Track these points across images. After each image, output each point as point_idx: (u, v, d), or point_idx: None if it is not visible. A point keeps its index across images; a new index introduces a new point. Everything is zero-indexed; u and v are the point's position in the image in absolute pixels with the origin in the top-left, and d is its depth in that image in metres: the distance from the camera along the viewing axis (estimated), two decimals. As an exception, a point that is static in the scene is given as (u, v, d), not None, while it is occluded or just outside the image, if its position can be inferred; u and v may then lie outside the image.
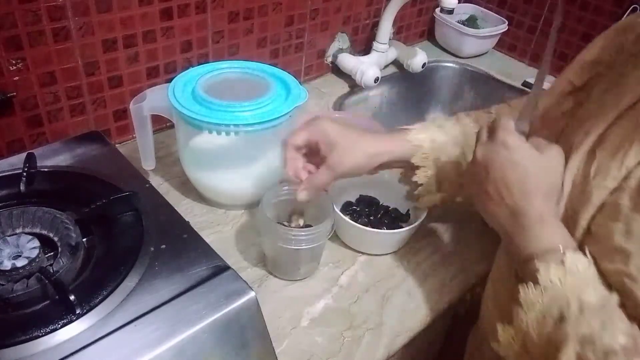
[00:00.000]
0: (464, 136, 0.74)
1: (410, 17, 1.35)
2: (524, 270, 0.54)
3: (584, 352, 0.47)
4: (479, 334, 0.71)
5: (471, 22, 1.40)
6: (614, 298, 0.50)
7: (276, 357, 0.60)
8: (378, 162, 0.71)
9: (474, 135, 0.66)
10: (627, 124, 0.56)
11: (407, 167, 0.74)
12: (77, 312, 0.51)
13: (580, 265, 0.51)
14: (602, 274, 0.52)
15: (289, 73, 0.81)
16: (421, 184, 0.74)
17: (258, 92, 0.74)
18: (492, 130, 0.57)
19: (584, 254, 0.52)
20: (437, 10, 1.37)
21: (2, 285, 0.53)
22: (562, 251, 0.52)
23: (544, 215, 0.54)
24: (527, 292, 0.52)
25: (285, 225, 0.73)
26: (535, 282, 0.52)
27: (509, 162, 0.55)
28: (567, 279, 0.50)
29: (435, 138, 0.73)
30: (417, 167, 0.73)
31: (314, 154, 0.70)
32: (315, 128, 0.68)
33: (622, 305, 0.50)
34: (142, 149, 0.82)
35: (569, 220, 0.57)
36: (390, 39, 1.22)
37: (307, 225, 0.74)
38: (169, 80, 0.77)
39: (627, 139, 0.54)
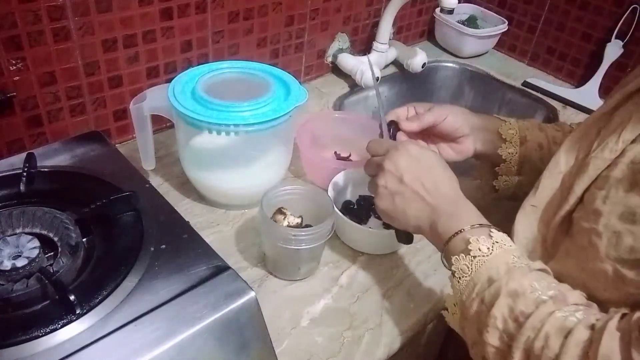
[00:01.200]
0: (546, 127, 0.82)
1: (410, 17, 1.35)
2: (453, 245, 0.58)
3: (516, 304, 0.51)
4: None
5: (471, 22, 1.40)
6: (538, 263, 0.55)
7: (276, 357, 0.60)
8: (476, 129, 0.79)
9: (553, 128, 0.80)
10: (630, 106, 0.59)
11: (495, 157, 0.81)
12: (77, 312, 0.51)
13: (506, 240, 0.56)
14: (578, 234, 0.57)
15: (289, 73, 0.81)
16: (504, 161, 0.79)
17: (258, 92, 0.74)
18: (382, 149, 0.67)
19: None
20: (437, 10, 1.37)
21: (2, 285, 0.53)
22: (488, 227, 0.58)
23: (458, 199, 0.62)
24: (458, 261, 0.56)
25: (284, 212, 0.73)
26: (466, 252, 0.56)
27: (415, 159, 0.63)
28: (494, 248, 0.55)
29: (522, 122, 0.81)
30: (504, 142, 0.79)
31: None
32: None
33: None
34: (142, 149, 0.82)
35: (565, 190, 0.60)
36: (390, 39, 1.22)
37: (307, 225, 0.74)
38: (169, 80, 0.77)
39: (628, 116, 0.57)
